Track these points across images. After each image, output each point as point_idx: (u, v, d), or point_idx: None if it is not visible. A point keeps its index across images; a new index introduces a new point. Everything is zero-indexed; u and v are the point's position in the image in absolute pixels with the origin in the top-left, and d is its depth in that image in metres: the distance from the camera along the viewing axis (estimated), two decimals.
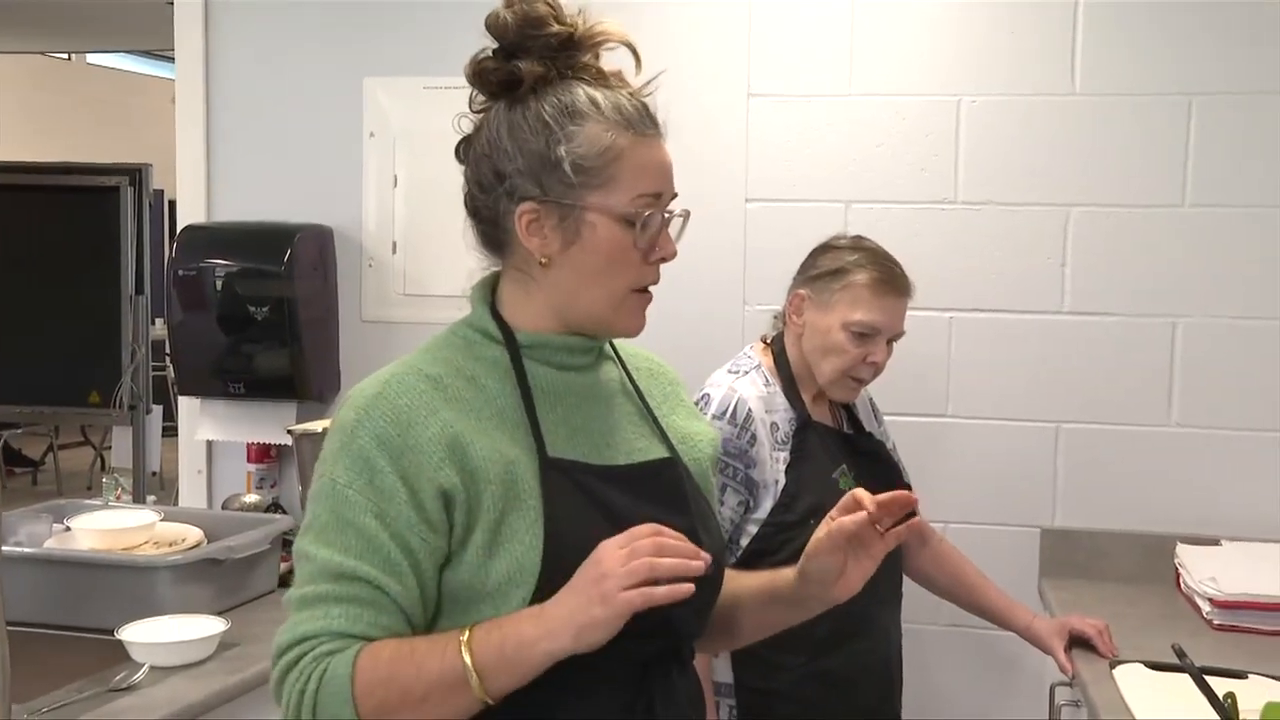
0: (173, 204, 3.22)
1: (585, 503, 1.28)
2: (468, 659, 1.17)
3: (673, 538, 1.16)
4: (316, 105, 3.04)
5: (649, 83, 1.37)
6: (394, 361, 1.33)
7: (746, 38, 2.80)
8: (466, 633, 1.19)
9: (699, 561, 1.14)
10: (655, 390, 1.49)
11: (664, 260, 1.35)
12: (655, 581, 1.13)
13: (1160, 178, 2.65)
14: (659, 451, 1.40)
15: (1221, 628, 2.30)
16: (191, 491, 3.17)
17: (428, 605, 1.26)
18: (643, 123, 1.33)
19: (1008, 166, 2.71)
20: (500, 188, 1.32)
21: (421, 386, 1.28)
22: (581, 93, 1.32)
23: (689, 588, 1.13)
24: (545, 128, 1.30)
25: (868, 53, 2.76)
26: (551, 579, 1.21)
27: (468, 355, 1.35)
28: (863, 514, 1.27)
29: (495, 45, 1.34)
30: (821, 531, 1.30)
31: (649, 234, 1.32)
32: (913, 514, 1.29)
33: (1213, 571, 2.39)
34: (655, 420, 1.44)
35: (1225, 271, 2.64)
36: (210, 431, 3.06)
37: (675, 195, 1.36)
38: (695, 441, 1.47)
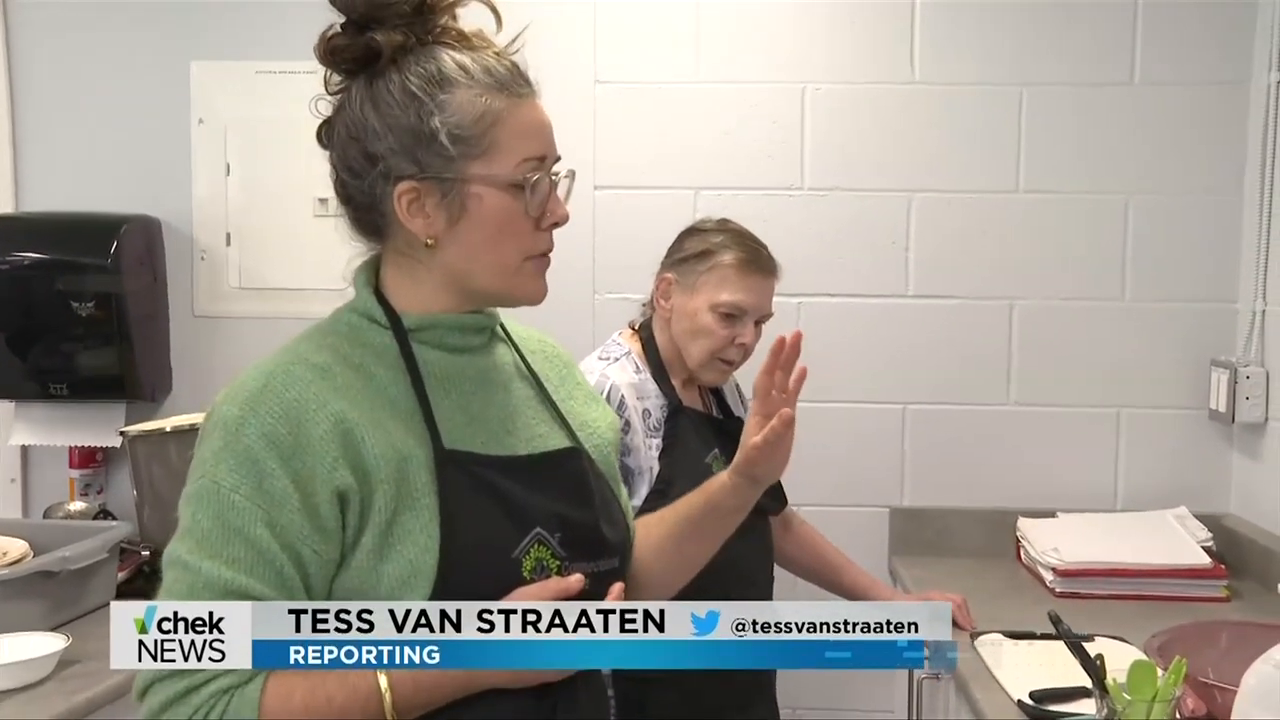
0: None
1: (484, 498, 1.21)
2: (389, 707, 1.14)
3: None
4: (138, 89, 2.87)
5: (514, 39, 1.31)
6: (275, 351, 1.24)
7: (593, 24, 2.78)
8: (387, 693, 1.14)
9: None
10: (551, 374, 1.43)
11: (557, 225, 1.29)
12: None
13: (995, 164, 2.75)
14: (560, 439, 1.35)
15: (1064, 595, 2.41)
16: (4, 501, 2.95)
17: None
18: (516, 83, 1.26)
19: (852, 153, 2.77)
20: (373, 170, 1.24)
21: (309, 377, 1.19)
22: (447, 58, 1.24)
23: None
24: (413, 100, 1.23)
25: (713, 40, 2.78)
26: (448, 580, 1.16)
27: (354, 342, 1.26)
28: (788, 411, 1.37)
29: (343, 20, 1.25)
30: (758, 439, 1.36)
31: (538, 199, 1.25)
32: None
33: (1054, 542, 2.50)
34: (554, 405, 1.38)
35: (1057, 255, 2.76)
36: (26, 436, 2.85)
37: (559, 157, 1.30)
38: (596, 427, 1.43)
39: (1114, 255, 2.75)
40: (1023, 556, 2.64)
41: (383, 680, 1.13)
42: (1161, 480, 2.76)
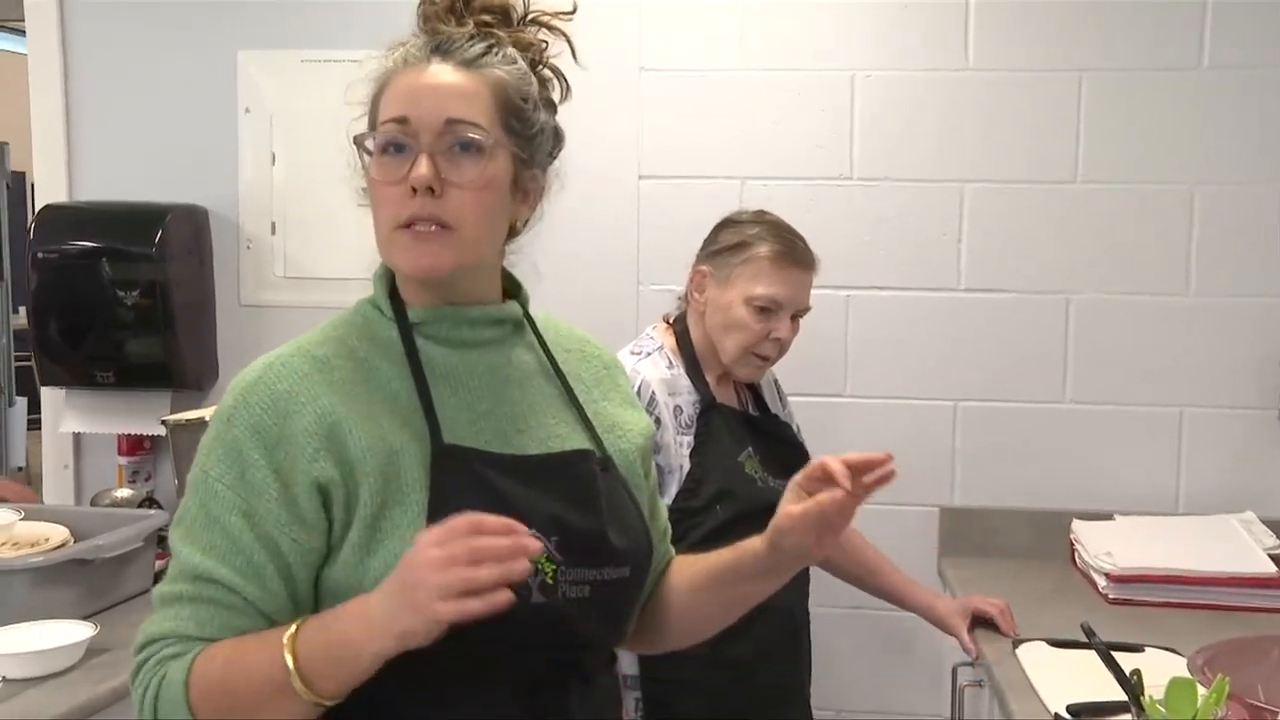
0: (35, 187, 3.03)
1: (478, 496, 1.17)
2: (290, 661, 1.07)
3: (495, 529, 1.01)
4: (186, 79, 2.88)
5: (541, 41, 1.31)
6: (289, 341, 1.23)
7: (639, 11, 2.73)
8: (293, 629, 1.09)
9: (522, 565, 1.00)
10: (586, 373, 1.38)
11: (415, 188, 1.17)
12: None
13: (1052, 153, 2.65)
14: (579, 441, 1.30)
15: (1117, 601, 2.32)
16: (57, 488, 2.99)
17: (300, 606, 1.16)
18: (414, 53, 1.22)
19: (903, 142, 2.69)
20: None
21: (305, 369, 1.18)
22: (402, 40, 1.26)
23: (506, 596, 0.99)
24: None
25: (760, 26, 2.71)
26: None
27: (363, 335, 1.25)
28: (839, 493, 1.13)
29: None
30: (795, 509, 1.16)
31: (386, 159, 1.19)
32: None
33: (1108, 546, 2.41)
34: (580, 407, 1.33)
35: (1116, 248, 2.65)
36: (76, 423, 2.89)
37: (456, 121, 1.19)
38: (624, 431, 1.36)
39: (1178, 248, 2.64)
40: (1076, 560, 2.55)
41: (289, 659, 1.07)
42: (1226, 483, 2.65)
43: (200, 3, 2.86)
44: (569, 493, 1.23)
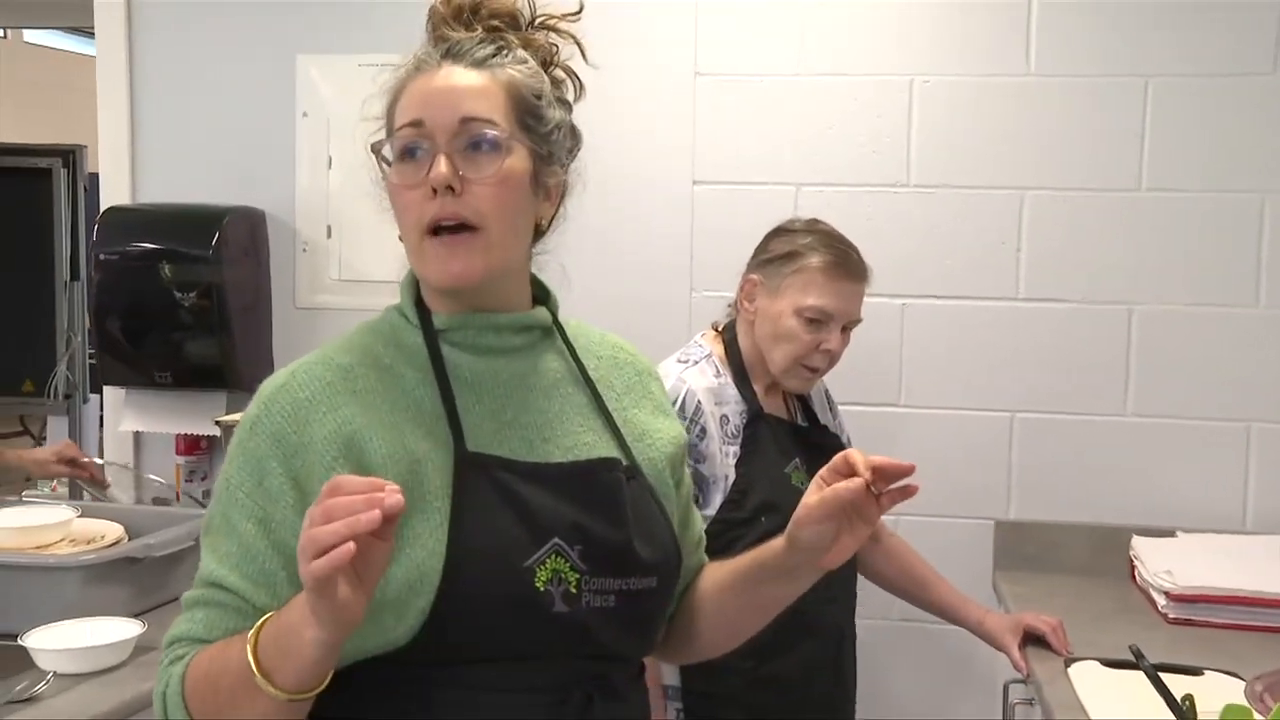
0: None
1: (501, 504, 1.16)
2: (250, 656, 1.04)
3: (352, 489, 0.96)
4: (246, 83, 2.92)
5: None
6: (317, 348, 1.24)
7: (694, 15, 2.71)
8: (260, 622, 1.06)
9: (370, 513, 0.93)
10: (617, 381, 1.36)
11: (435, 189, 1.16)
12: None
13: (1116, 161, 2.59)
14: (606, 449, 1.28)
15: (1177, 621, 2.25)
16: (118, 485, 3.04)
17: None
18: (425, 59, 1.23)
19: (961, 149, 2.64)
20: None
21: (328, 377, 1.19)
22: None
23: (348, 549, 0.93)
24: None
25: (818, 31, 2.68)
26: (453, 588, 1.11)
27: (389, 342, 1.25)
28: (859, 482, 1.10)
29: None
30: (813, 498, 1.14)
31: (404, 165, 1.19)
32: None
33: (1168, 564, 2.34)
34: (609, 414, 1.31)
35: (1181, 257, 2.59)
36: (136, 422, 2.94)
37: (470, 120, 1.18)
38: (654, 439, 1.34)
39: (1247, 258, 2.57)
40: (1136, 578, 2.48)
41: (250, 654, 1.04)
42: None
43: (260, 7, 2.89)
44: (594, 501, 1.22)
